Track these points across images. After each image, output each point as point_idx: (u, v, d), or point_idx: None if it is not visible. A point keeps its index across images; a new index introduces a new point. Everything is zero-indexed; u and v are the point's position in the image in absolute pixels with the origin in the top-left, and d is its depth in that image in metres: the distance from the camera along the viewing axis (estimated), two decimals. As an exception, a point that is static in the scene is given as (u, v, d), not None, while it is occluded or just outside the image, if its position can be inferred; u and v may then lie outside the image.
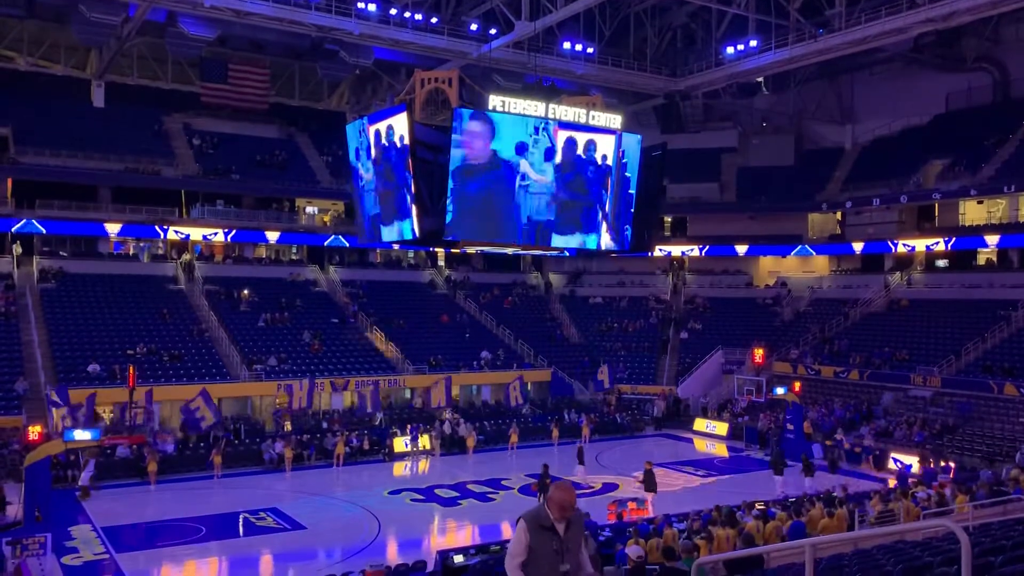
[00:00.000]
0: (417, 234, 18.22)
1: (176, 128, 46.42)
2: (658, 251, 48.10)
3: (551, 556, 5.16)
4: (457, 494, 26.35)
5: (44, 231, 39.17)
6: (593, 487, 26.97)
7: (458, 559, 17.17)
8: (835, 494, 20.54)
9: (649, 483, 23.91)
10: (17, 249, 38.73)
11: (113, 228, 40.68)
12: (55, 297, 36.80)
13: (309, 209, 47.83)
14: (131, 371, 30.16)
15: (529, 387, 40.08)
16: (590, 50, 41.57)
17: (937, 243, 42.41)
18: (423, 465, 31.45)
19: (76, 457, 26.73)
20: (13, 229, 38.23)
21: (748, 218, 48.72)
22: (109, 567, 18.99)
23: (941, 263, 44.41)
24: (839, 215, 47.67)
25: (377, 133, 18.82)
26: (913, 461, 28.96)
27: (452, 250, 38.83)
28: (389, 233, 19.24)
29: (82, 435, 27.10)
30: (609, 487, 27.12)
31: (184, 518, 23.09)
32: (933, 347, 37.17)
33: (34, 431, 26.98)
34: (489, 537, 20.55)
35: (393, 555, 19.80)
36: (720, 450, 34.83)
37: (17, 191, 38.93)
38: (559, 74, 41.84)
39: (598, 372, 39.53)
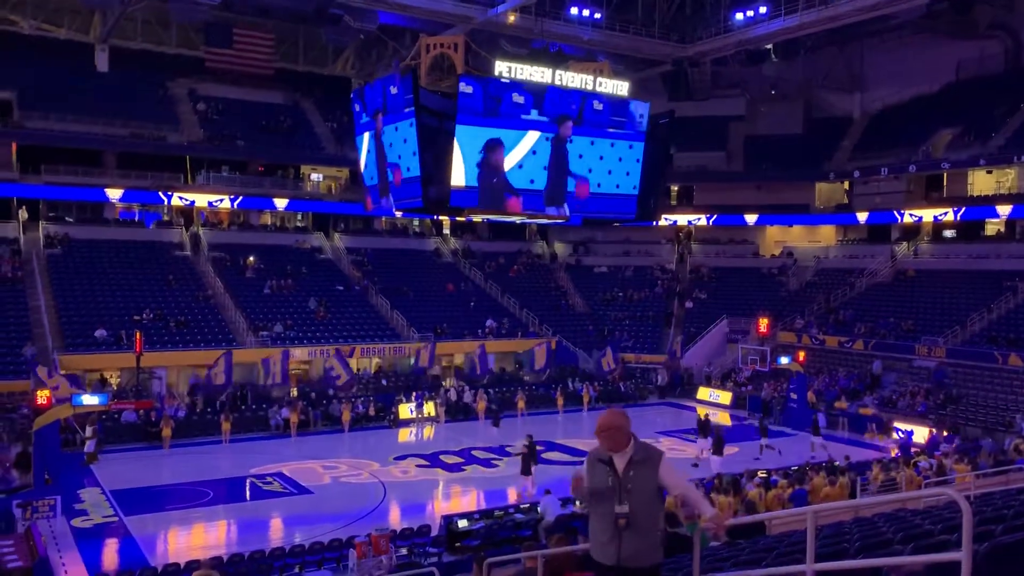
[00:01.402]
0: (422, 202, 18.17)
1: (181, 93, 46.13)
2: (664, 220, 47.85)
3: (607, 492, 4.90)
4: (462, 460, 26.58)
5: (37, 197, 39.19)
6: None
7: (462, 524, 17.40)
8: (837, 463, 20.69)
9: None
10: (23, 214, 38.80)
11: (115, 193, 40.49)
12: (61, 263, 36.91)
13: (314, 176, 47.70)
14: (138, 337, 30.33)
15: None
16: (598, 16, 41.08)
17: (945, 213, 42.06)
18: (428, 431, 31.69)
19: (81, 423, 26.91)
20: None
21: (755, 187, 48.42)
22: (118, 529, 19.26)
23: (948, 233, 44.16)
24: (846, 184, 47.33)
25: (382, 100, 18.70)
26: (916, 430, 29.11)
27: (457, 218, 38.69)
28: (394, 201, 19.19)
29: (90, 400, 27.27)
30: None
31: (192, 482, 23.35)
32: (938, 318, 37.10)
33: (43, 395, 27.15)
34: (493, 503, 20.74)
35: (398, 519, 20.03)
36: (723, 419, 34.95)
37: (22, 156, 38.92)
38: (566, 40, 41.36)
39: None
